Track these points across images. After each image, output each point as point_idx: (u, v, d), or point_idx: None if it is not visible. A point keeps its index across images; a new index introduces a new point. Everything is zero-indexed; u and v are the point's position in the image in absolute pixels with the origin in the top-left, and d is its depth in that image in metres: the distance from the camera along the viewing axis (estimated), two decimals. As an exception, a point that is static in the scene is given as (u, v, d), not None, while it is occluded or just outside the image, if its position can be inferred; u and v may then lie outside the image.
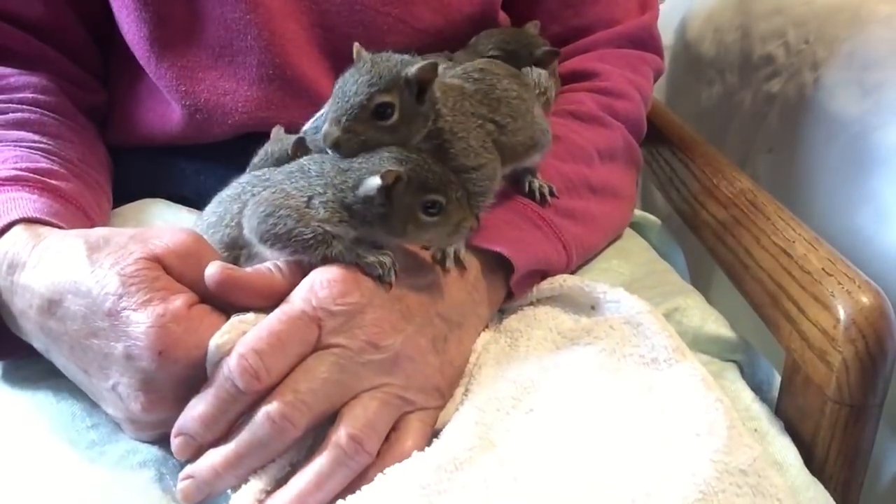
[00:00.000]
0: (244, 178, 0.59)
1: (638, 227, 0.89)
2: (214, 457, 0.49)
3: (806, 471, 0.60)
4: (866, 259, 0.80)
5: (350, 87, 0.53)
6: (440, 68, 0.55)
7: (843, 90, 0.93)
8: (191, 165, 0.76)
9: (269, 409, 0.49)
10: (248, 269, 0.54)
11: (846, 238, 0.86)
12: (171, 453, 0.51)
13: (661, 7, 0.94)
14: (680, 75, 1.27)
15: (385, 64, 0.54)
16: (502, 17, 0.84)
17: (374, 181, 0.51)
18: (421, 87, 0.54)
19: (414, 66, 0.54)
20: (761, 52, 1.08)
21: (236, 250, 0.57)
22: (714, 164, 0.88)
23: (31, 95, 0.71)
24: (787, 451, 0.61)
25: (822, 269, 0.66)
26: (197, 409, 0.50)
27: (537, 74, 0.73)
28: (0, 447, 0.54)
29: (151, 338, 0.49)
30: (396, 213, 0.52)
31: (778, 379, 0.70)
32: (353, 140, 0.53)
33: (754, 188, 0.81)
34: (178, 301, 0.50)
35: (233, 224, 0.56)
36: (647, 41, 0.88)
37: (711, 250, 0.86)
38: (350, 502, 0.48)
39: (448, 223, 0.54)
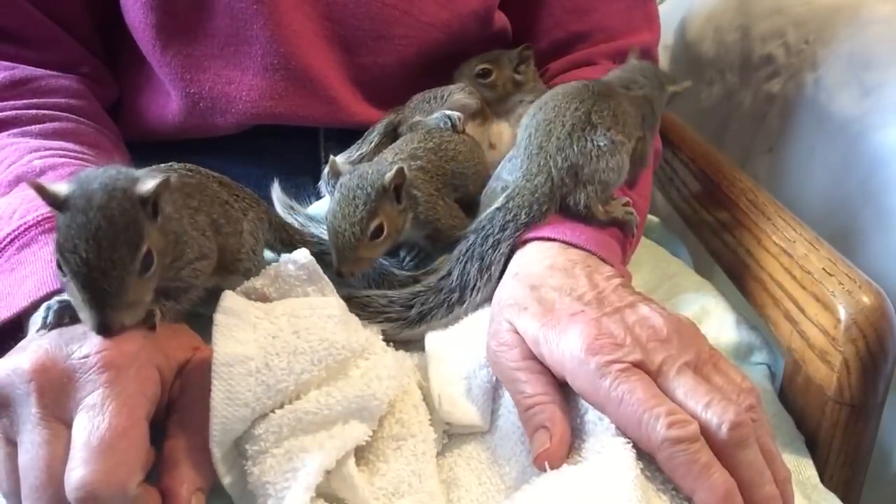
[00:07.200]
0: None
1: (641, 228, 0.89)
2: None
3: (822, 487, 0.60)
4: (866, 259, 0.80)
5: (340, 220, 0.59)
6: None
7: (843, 90, 0.93)
8: (195, 161, 0.76)
9: None
10: None
11: (846, 238, 0.86)
12: None
13: (662, 7, 0.94)
14: (680, 75, 1.27)
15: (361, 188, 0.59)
16: (499, 17, 0.85)
17: None
18: (396, 190, 0.60)
19: (387, 174, 0.59)
20: (761, 52, 1.08)
21: None
22: (714, 164, 0.88)
23: (64, 101, 0.71)
24: (806, 469, 0.61)
25: (823, 269, 0.66)
26: None
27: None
28: None
29: None
30: None
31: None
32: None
33: (754, 188, 0.81)
34: None
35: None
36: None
37: (712, 250, 0.86)
38: None
39: None
